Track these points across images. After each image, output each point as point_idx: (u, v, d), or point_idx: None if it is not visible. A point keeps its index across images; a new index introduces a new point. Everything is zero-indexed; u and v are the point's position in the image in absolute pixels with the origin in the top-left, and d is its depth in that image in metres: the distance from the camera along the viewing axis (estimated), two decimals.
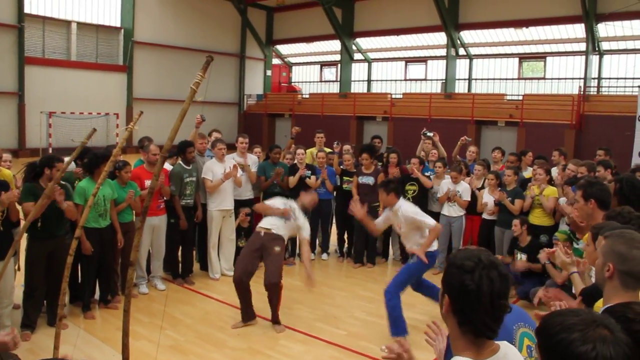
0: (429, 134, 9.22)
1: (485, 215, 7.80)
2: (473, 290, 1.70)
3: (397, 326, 5.50)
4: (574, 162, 7.25)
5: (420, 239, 5.79)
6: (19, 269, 5.81)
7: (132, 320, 5.93)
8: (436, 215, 8.18)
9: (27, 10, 22.41)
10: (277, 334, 5.77)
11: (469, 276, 1.72)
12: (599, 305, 2.53)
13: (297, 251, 8.61)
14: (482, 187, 7.97)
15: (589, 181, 3.87)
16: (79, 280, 6.19)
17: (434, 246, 5.84)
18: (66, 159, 6.37)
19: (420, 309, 6.37)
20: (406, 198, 7.95)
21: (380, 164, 8.72)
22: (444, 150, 9.20)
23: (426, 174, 8.48)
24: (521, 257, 6.94)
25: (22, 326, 5.44)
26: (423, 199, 8.22)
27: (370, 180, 8.08)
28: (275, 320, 5.93)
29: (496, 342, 1.83)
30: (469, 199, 7.91)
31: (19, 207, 5.28)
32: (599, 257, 2.50)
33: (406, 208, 5.85)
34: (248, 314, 5.95)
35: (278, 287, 5.82)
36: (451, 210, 7.98)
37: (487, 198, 7.76)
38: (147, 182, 6.74)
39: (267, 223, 6.06)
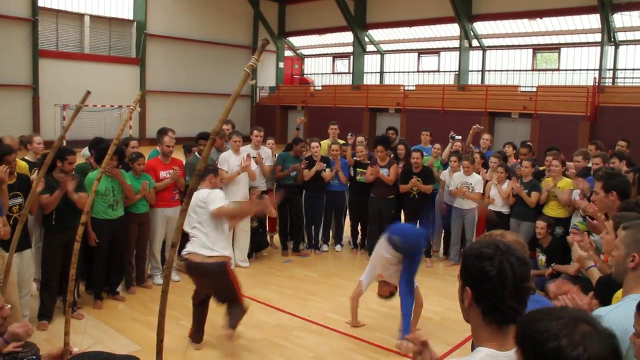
0: (457, 137, 9.08)
1: (492, 207, 7.77)
2: (495, 276, 1.69)
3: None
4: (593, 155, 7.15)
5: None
6: None
7: (147, 310, 6.01)
8: (449, 208, 8.16)
9: (41, 4, 22.56)
10: (292, 325, 5.79)
11: (488, 263, 1.70)
12: (618, 296, 2.50)
13: (313, 242, 8.64)
14: None
15: (609, 173, 3.80)
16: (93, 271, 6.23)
17: None
18: (79, 152, 6.43)
19: (435, 301, 6.36)
20: (412, 195, 7.94)
21: (394, 155, 8.69)
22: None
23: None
24: (541, 258, 6.91)
25: (39, 316, 5.52)
26: (428, 196, 8.14)
27: (385, 172, 8.02)
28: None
29: None
30: (482, 191, 7.85)
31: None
32: (619, 248, 2.46)
33: None
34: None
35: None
36: (464, 203, 7.92)
37: (494, 193, 7.72)
38: (163, 174, 6.77)
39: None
